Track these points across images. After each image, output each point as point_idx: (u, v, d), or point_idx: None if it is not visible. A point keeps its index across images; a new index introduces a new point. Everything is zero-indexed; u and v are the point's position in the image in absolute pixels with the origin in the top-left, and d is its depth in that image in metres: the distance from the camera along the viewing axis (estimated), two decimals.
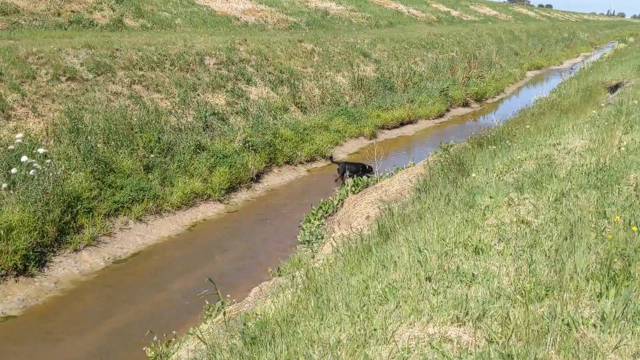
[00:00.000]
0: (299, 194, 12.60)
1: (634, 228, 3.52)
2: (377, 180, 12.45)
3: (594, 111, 8.52)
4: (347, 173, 12.87)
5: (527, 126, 8.59)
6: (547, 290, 3.06)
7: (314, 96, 17.65)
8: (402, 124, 19.45)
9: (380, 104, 19.25)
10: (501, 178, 6.13)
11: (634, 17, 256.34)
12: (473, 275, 3.34)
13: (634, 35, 72.59)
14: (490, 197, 4.81)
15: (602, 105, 11.29)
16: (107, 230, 9.53)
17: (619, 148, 6.18)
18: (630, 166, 5.31)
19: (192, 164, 11.52)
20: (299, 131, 14.80)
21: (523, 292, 3.04)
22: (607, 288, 3.01)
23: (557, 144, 6.84)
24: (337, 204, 10.96)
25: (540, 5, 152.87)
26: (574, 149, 6.43)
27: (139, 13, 20.81)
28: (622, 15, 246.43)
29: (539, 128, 8.69)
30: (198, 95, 14.49)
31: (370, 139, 17.37)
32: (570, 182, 4.98)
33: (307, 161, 14.43)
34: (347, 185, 11.73)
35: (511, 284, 3.23)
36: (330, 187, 12.36)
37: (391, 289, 3.31)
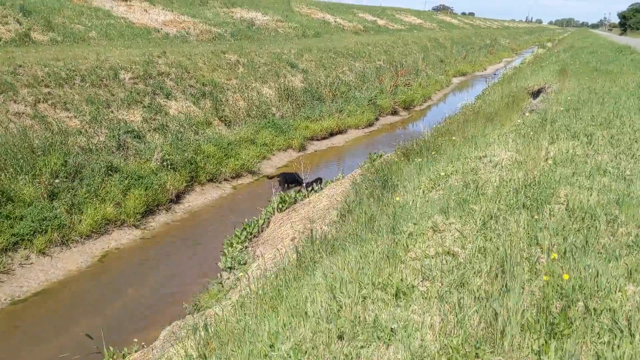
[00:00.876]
0: (224, 213, 11.88)
1: (565, 276, 3.12)
2: (305, 196, 11.94)
3: (519, 120, 8.36)
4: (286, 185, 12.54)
5: (454, 137, 8.30)
6: (478, 349, 2.59)
7: (239, 109, 16.97)
8: (331, 135, 19.09)
9: (309, 114, 18.81)
10: (427, 195, 5.72)
11: (551, 23, 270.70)
12: (392, 330, 2.82)
13: (551, 40, 76.11)
14: (414, 224, 4.35)
15: (527, 111, 11.24)
16: (3, 268, 8.51)
17: (547, 160, 5.93)
18: (559, 181, 5.03)
19: (104, 188, 10.59)
20: (223, 146, 14.08)
21: (450, 352, 2.55)
22: (546, 342, 2.57)
23: (483, 156, 6.53)
24: (263, 224, 10.34)
25: (463, 13, 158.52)
26: (501, 162, 6.13)
27: (48, 26, 19.47)
28: (540, 21, 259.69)
29: (465, 138, 8.41)
30: (112, 112, 13.52)
31: (300, 151, 16.89)
32: (498, 202, 4.61)
33: (233, 177, 13.73)
34: (274, 203, 11.15)
35: (436, 339, 2.74)
36: (258, 204, 11.69)
37: (296, 352, 2.74)
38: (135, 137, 12.90)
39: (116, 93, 14.25)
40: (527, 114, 11.09)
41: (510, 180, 5.31)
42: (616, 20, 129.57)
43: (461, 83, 35.78)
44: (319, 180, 12.56)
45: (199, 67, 18.29)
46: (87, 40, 19.64)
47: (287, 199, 11.41)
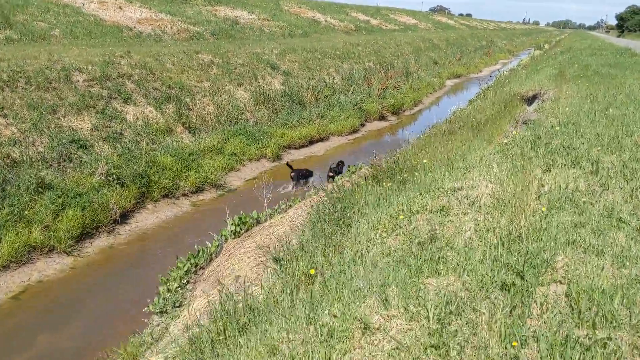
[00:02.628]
0: (177, 235, 10.46)
1: None
2: (270, 215, 10.55)
3: (510, 135, 6.91)
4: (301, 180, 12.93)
5: (425, 161, 6.87)
6: None
7: (207, 114, 15.54)
8: (311, 142, 17.67)
9: (286, 120, 17.38)
10: (384, 240, 4.33)
11: (548, 24, 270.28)
12: None
13: (548, 42, 74.90)
14: (335, 316, 2.96)
15: (520, 121, 9.85)
16: None
17: (539, 197, 4.54)
18: (555, 238, 3.63)
19: (31, 208, 9.17)
20: (183, 157, 12.65)
21: None
22: None
23: (459, 188, 5.13)
24: (215, 252, 8.93)
25: (461, 14, 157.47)
26: (479, 199, 4.74)
27: (6, 23, 18.04)
28: (537, 23, 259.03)
29: (445, 159, 7.00)
30: (58, 118, 12.08)
31: (274, 161, 15.48)
32: (467, 273, 3.22)
33: (193, 192, 12.30)
34: (229, 226, 9.73)
35: None
36: (220, 224, 10.21)
37: None
38: (80, 147, 11.48)
39: (66, 97, 12.81)
40: (519, 125, 9.70)
41: (488, 230, 3.93)
42: (613, 22, 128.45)
43: (455, 86, 34.36)
44: (341, 164, 13.23)
45: (167, 68, 16.85)
46: (48, 39, 18.22)
47: (247, 219, 10.00)
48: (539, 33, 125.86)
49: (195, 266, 8.36)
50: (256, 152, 14.98)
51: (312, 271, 4.11)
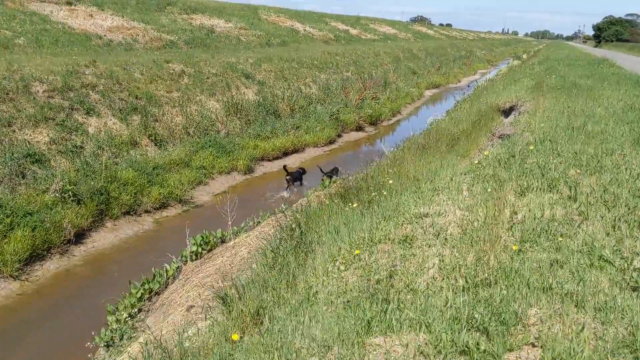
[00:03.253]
0: (136, 256, 9.84)
1: None
2: (237, 233, 10.02)
3: (476, 161, 6.42)
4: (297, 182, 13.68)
5: (390, 181, 6.38)
6: None
7: (176, 125, 14.95)
8: (286, 154, 17.15)
9: (260, 131, 16.85)
10: (341, 274, 3.83)
11: (527, 35, 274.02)
12: None
13: (527, 52, 75.49)
14: None
15: (496, 134, 9.45)
16: None
17: (511, 228, 4.07)
18: (528, 283, 3.11)
19: None
20: (147, 171, 12.05)
21: None
22: None
23: (425, 215, 4.65)
24: (172, 276, 8.34)
25: (441, 24, 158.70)
26: (446, 228, 4.26)
27: None
28: (516, 33, 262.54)
29: (415, 176, 6.54)
30: (13, 131, 11.43)
31: (246, 173, 14.93)
32: (426, 329, 2.71)
33: (157, 208, 11.69)
34: (193, 245, 9.16)
35: None
36: (183, 242, 9.58)
37: None
38: (35, 162, 10.84)
39: (23, 109, 12.15)
40: (495, 140, 9.30)
41: (454, 269, 3.45)
42: (590, 32, 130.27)
43: (434, 96, 34.13)
44: (335, 171, 13.62)
45: (135, 78, 16.25)
46: (11, 48, 17.50)
47: (210, 239, 9.45)
48: (517, 43, 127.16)
49: (150, 292, 7.77)
50: (227, 164, 14.42)
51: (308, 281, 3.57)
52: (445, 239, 4.05)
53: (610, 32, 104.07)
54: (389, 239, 4.21)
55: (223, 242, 9.74)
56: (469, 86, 35.94)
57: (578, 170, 5.20)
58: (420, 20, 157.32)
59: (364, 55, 35.59)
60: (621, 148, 6.09)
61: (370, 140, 21.45)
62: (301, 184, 13.98)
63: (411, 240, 4.13)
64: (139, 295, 7.57)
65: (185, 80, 17.93)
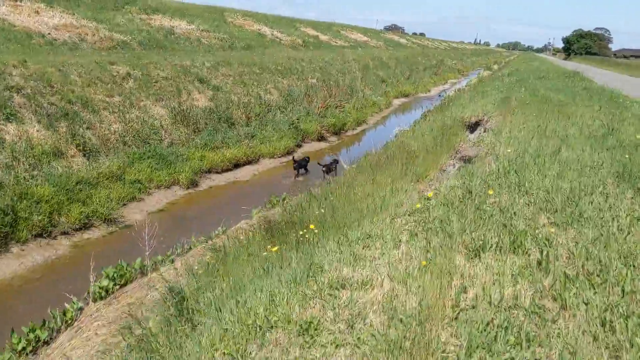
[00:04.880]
0: (40, 288, 8.42)
1: None
2: (162, 262, 8.70)
3: (429, 192, 5.14)
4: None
5: (312, 228, 5.12)
6: None
7: (112, 134, 13.51)
8: (237, 166, 15.83)
9: (208, 141, 15.50)
10: None
11: (498, 45, 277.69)
12: None
13: (497, 62, 75.60)
14: None
15: (457, 154, 8.32)
16: None
17: (456, 319, 2.85)
18: None
19: None
20: (69, 187, 10.62)
21: None
22: None
23: (342, 284, 3.40)
24: (72, 317, 6.97)
25: (414, 34, 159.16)
26: (367, 312, 2.99)
27: None
28: (488, 44, 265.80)
29: (362, 205, 5.32)
30: None
31: (189, 188, 13.56)
32: None
33: (77, 230, 10.27)
34: (104, 279, 7.80)
35: None
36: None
37: None
38: None
39: None
40: (456, 161, 8.18)
41: None
42: (560, 45, 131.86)
43: (402, 105, 33.17)
44: (335, 163, 14.55)
45: (71, 80, 14.76)
46: None
47: (126, 271, 8.10)
48: (489, 53, 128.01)
49: (37, 342, 6.39)
50: (167, 178, 13.04)
51: None
52: (359, 338, 2.81)
53: (579, 45, 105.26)
54: (289, 322, 2.99)
55: (144, 274, 8.41)
56: (439, 95, 35.06)
57: (551, 218, 4.03)
58: (394, 28, 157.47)
59: (332, 62, 34.45)
60: (602, 184, 4.93)
61: (333, 150, 20.18)
62: (307, 171, 15.36)
63: (316, 329, 2.91)
64: (21, 346, 6.18)
65: (130, 83, 16.49)
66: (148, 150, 13.46)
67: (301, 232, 5.07)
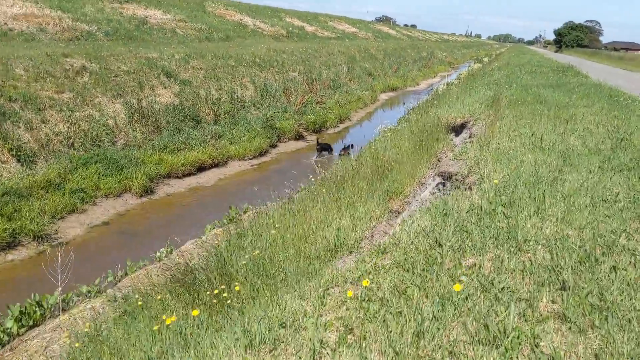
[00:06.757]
0: None
1: None
2: (85, 294, 7.36)
3: (369, 265, 3.52)
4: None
5: (237, 287, 3.77)
6: None
7: (55, 135, 12.07)
8: (201, 169, 14.43)
9: (168, 142, 14.08)
10: None
11: (489, 38, 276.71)
12: None
13: (488, 55, 74.32)
14: None
15: (437, 167, 6.99)
16: None
17: None
18: None
19: None
20: None
21: None
22: None
23: None
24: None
25: (406, 25, 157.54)
26: None
27: None
28: (479, 36, 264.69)
29: (306, 245, 3.98)
30: None
31: (142, 196, 12.17)
32: None
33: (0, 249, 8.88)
34: (9, 321, 6.44)
35: None
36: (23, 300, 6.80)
37: None
38: None
39: None
40: (435, 176, 6.85)
41: None
42: (551, 37, 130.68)
43: (389, 100, 31.77)
44: (351, 147, 15.06)
45: (15, 74, 13.30)
46: None
47: (35, 309, 6.73)
48: (480, 46, 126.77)
49: None
50: (117, 185, 11.65)
51: None
52: None
53: (570, 37, 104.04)
54: None
55: (63, 310, 7.05)
56: (429, 89, 33.67)
57: (558, 303, 2.62)
58: (385, 20, 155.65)
59: (315, 54, 33.02)
60: (624, 231, 3.51)
61: (312, 151, 18.80)
62: (330, 152, 17.03)
63: None
64: None
65: (85, 78, 15.02)
66: (96, 153, 12.04)
67: (220, 290, 3.69)
